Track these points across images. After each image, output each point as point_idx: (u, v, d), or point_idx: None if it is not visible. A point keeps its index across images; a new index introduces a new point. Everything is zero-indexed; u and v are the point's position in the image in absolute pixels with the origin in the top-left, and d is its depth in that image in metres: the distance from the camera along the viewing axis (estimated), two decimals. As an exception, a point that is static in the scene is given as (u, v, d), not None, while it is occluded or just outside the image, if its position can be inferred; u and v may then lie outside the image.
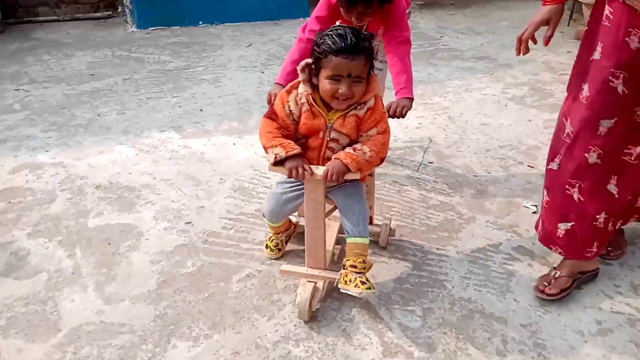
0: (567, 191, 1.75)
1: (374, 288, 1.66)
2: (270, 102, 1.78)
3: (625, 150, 1.71)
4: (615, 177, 1.73)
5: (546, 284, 1.83)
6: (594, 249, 1.80)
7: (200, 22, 4.72)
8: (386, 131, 1.69)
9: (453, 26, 4.85)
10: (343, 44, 1.55)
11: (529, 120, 3.04)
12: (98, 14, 4.91)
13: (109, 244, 2.04)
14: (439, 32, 4.67)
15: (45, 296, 1.79)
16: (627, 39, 1.54)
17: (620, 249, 2.00)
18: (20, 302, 1.77)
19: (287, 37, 4.47)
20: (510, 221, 2.18)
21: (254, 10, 4.83)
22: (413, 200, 2.31)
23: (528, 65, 3.80)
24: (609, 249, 1.97)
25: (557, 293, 1.79)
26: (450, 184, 2.43)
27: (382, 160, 1.71)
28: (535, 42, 1.70)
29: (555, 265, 1.88)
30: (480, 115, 3.11)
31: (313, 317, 1.72)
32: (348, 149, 1.66)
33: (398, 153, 2.69)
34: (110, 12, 4.94)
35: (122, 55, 4.06)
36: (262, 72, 3.76)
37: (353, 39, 1.56)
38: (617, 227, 1.89)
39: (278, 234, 1.99)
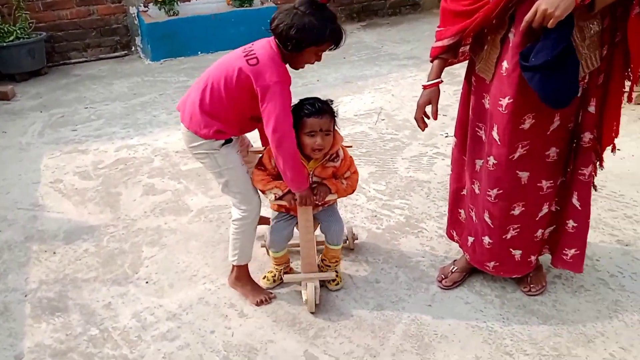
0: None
1: (341, 281, 2.29)
2: None
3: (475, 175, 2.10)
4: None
5: (443, 276, 2.30)
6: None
7: (199, 52, 6.14)
8: (356, 172, 2.20)
9: (389, 38, 6.45)
10: (313, 109, 1.99)
11: (443, 91, 4.56)
12: (117, 54, 6.25)
13: (199, 175, 3.42)
14: (379, 43, 6.26)
15: (176, 198, 3.17)
16: (482, 101, 1.99)
17: (540, 283, 2.25)
18: (164, 201, 3.14)
19: (268, 57, 5.94)
20: (432, 142, 3.69)
21: (234, 41, 6.20)
22: (374, 139, 3.79)
23: (443, 59, 5.40)
24: (530, 285, 2.23)
25: (450, 286, 2.29)
26: (396, 128, 3.94)
27: (353, 191, 2.20)
28: (428, 117, 2.05)
29: (455, 260, 2.37)
30: (412, 92, 4.64)
31: (317, 307, 2.22)
32: (332, 179, 2.13)
33: (363, 116, 4.18)
34: (126, 52, 6.29)
35: (150, 80, 5.43)
36: (257, 81, 5.21)
37: (319, 104, 2.02)
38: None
39: (278, 265, 2.32)
